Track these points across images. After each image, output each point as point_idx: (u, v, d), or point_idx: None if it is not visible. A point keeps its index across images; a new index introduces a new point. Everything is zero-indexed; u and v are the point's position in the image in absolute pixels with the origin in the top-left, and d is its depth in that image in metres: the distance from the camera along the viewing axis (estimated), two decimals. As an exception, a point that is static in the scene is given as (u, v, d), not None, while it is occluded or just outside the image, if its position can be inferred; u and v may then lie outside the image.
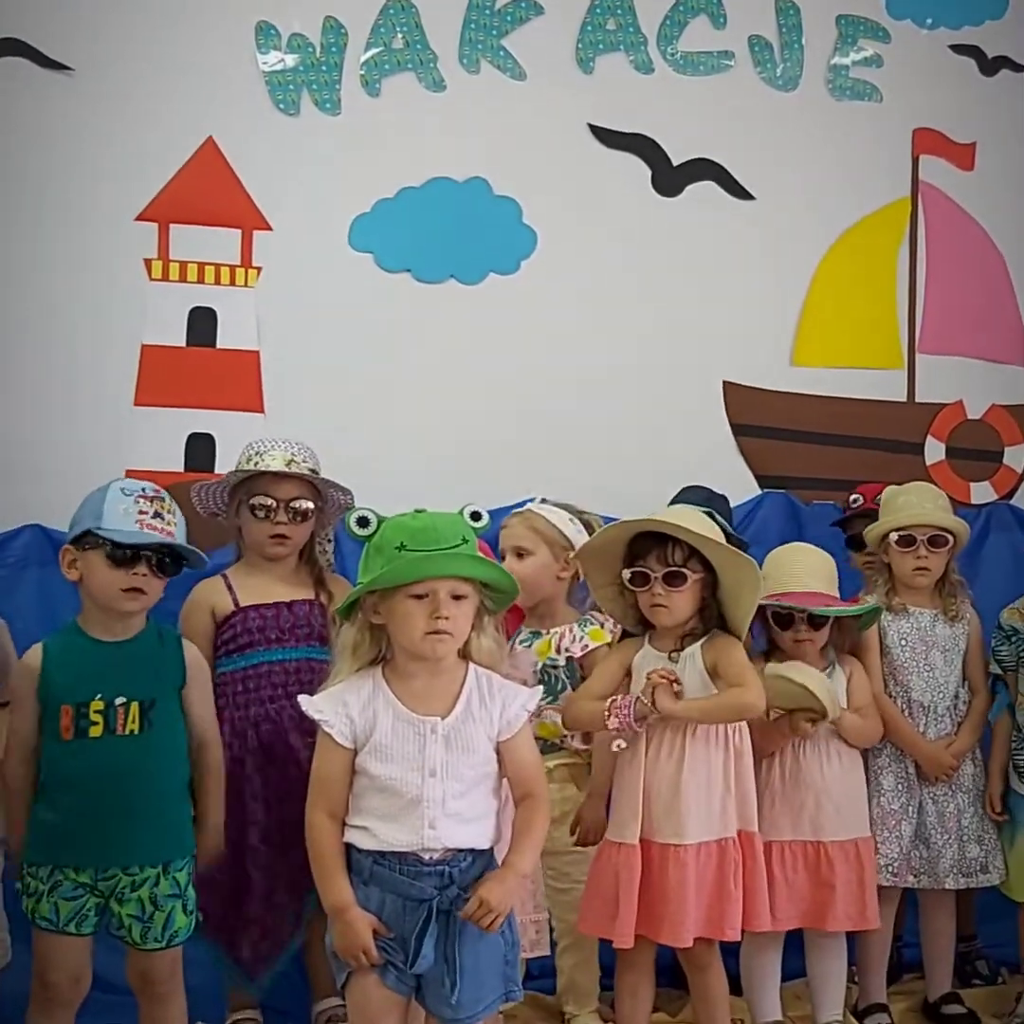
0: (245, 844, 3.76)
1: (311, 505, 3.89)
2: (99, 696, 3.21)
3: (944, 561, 4.17)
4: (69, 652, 3.26)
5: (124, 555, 3.20)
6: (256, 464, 3.88)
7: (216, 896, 3.65)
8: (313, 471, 3.92)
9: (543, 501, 4.08)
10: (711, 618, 3.53)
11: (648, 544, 3.49)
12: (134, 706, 3.23)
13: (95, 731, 3.20)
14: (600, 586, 3.62)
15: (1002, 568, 4.74)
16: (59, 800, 3.23)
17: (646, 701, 3.39)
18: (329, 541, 4.05)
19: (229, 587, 3.90)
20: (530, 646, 3.94)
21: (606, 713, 3.44)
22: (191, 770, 3.38)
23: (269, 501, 3.86)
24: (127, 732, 3.23)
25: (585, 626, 3.96)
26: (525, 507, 4.05)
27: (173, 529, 3.26)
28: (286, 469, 3.86)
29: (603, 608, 3.74)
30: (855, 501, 4.64)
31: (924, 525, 4.14)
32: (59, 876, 3.20)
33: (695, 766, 3.47)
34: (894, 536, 4.17)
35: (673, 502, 4.03)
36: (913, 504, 4.20)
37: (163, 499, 3.27)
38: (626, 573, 3.51)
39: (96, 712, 3.20)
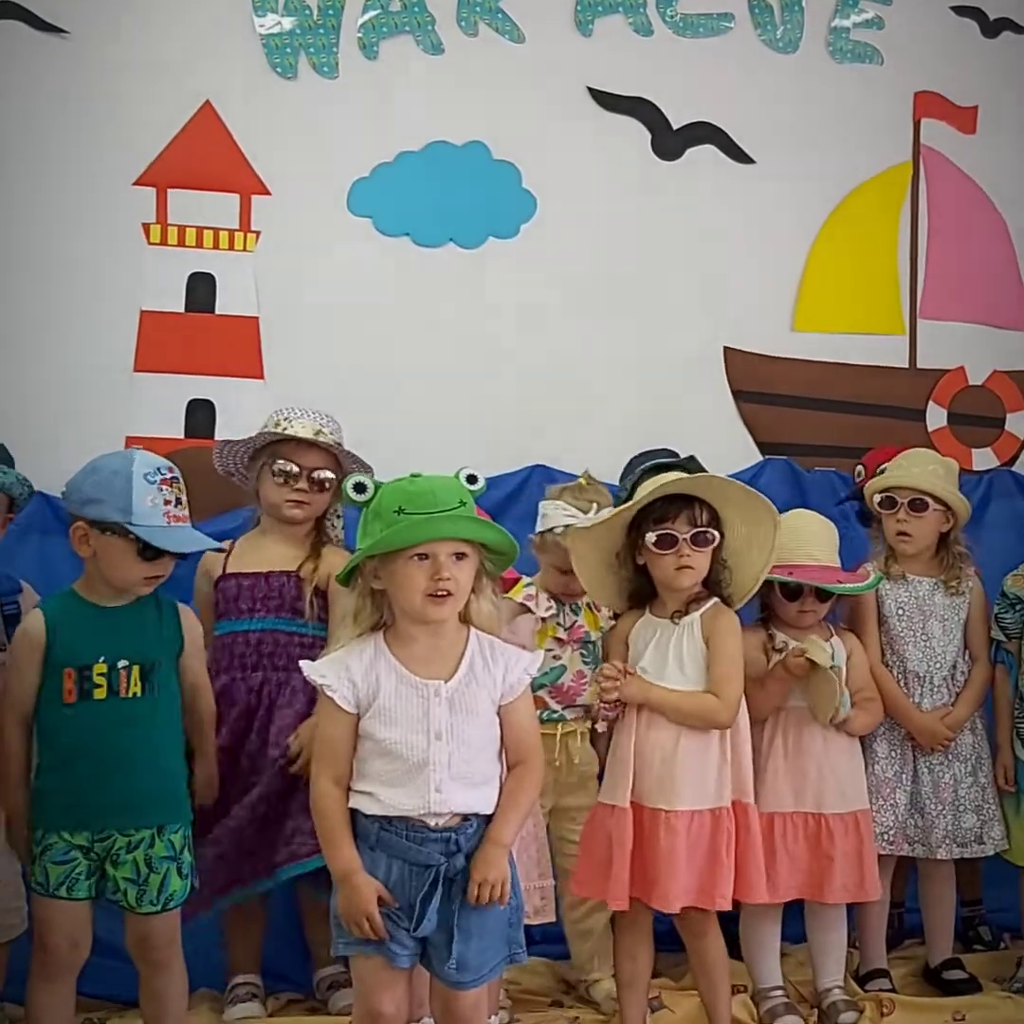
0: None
1: (332, 476, 3.88)
2: (102, 659, 3.25)
3: (929, 528, 4.13)
4: (69, 616, 3.29)
5: (155, 553, 3.24)
6: (284, 429, 3.88)
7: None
8: (338, 444, 3.92)
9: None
10: (716, 582, 3.53)
11: (673, 507, 3.47)
12: (136, 669, 3.27)
13: (99, 694, 3.24)
14: (591, 566, 3.59)
15: (1004, 535, 4.73)
16: (57, 763, 3.25)
17: (597, 702, 3.49)
18: (338, 516, 4.03)
19: (228, 553, 3.89)
20: (578, 616, 3.94)
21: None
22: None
23: (292, 467, 3.86)
24: (130, 695, 3.26)
25: None
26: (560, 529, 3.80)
27: (187, 511, 3.31)
28: (314, 438, 3.87)
29: (589, 593, 3.73)
30: (859, 474, 4.56)
31: (905, 488, 4.12)
32: (51, 839, 3.23)
33: (692, 734, 3.47)
34: (877, 498, 4.17)
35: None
36: (900, 467, 4.20)
37: (177, 479, 3.31)
38: (651, 536, 3.46)
39: (100, 675, 3.24)
